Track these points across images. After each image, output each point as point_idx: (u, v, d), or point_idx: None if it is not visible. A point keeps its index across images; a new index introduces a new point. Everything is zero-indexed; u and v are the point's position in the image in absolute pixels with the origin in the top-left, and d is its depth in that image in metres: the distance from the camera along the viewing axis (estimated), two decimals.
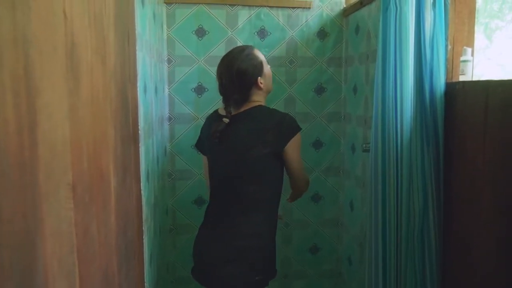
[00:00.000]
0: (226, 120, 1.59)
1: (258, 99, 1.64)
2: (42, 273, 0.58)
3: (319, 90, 2.44)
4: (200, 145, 1.81)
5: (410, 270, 1.56)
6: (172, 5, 2.27)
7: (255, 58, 1.62)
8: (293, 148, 1.59)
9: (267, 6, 2.34)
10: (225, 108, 1.63)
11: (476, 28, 1.55)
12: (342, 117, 2.47)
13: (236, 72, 1.58)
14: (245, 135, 1.58)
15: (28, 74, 0.53)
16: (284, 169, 1.66)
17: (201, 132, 1.81)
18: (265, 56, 1.71)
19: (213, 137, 1.61)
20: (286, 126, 1.57)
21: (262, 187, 1.60)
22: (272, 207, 1.65)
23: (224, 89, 1.62)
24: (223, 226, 1.61)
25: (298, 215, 2.51)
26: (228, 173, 1.62)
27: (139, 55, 1.36)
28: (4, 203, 0.48)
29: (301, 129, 1.62)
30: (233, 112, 1.62)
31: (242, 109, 1.62)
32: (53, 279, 0.61)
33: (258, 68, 1.61)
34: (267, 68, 1.67)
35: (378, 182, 1.56)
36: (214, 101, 2.32)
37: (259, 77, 1.61)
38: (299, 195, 1.81)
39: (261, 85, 1.62)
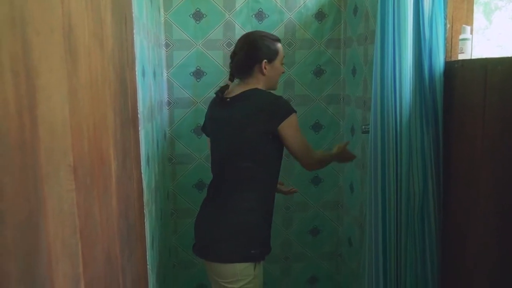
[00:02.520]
0: (219, 93, 1.69)
1: (256, 83, 1.68)
2: (45, 254, 0.58)
3: (318, 72, 2.43)
4: (205, 128, 1.89)
5: (410, 250, 1.58)
6: None
7: (274, 44, 1.69)
8: (287, 130, 1.62)
9: None
10: (222, 86, 1.72)
11: (475, 8, 1.54)
12: (341, 99, 2.47)
13: (250, 41, 1.67)
14: (240, 115, 1.63)
15: (26, 54, 0.53)
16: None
17: (205, 116, 1.87)
18: None
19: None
20: (279, 107, 1.62)
21: (255, 165, 1.64)
22: (266, 185, 1.69)
23: (233, 53, 1.71)
24: (220, 201, 1.68)
25: (298, 197, 2.52)
26: (225, 151, 1.68)
27: (137, 38, 1.35)
28: (6, 182, 0.48)
29: (295, 111, 1.64)
30: (231, 95, 1.68)
31: (239, 91, 1.67)
32: (56, 260, 0.62)
33: (271, 52, 1.67)
34: (279, 63, 1.71)
35: (378, 163, 1.57)
36: (213, 85, 2.31)
37: (265, 60, 1.65)
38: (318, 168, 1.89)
39: (264, 71, 1.66)
